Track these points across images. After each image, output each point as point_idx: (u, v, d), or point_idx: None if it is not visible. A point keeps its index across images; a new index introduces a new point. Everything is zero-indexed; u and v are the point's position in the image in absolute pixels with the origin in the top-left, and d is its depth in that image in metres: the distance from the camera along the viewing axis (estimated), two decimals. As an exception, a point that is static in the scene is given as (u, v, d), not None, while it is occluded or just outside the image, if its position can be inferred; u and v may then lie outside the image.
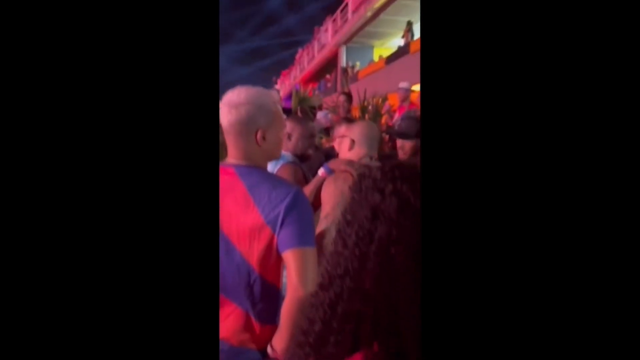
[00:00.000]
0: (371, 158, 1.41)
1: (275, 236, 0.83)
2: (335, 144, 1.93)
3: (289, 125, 1.62)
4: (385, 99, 4.42)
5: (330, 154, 1.88)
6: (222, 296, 0.89)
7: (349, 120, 2.12)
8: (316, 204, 1.40)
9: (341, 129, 1.88)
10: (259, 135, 0.90)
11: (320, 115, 3.39)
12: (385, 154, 2.38)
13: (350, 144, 1.45)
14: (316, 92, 11.13)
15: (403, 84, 3.79)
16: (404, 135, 1.70)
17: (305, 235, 0.83)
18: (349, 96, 3.53)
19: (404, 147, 1.72)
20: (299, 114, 4.15)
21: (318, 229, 1.38)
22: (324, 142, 2.82)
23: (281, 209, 0.83)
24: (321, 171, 1.44)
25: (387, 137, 2.56)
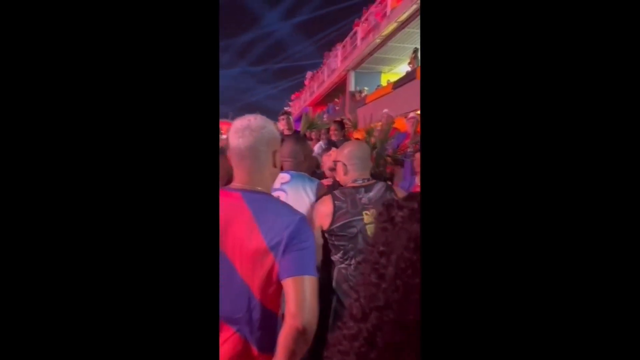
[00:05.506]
0: (363, 180, 1.43)
1: (277, 263, 0.83)
2: (323, 167, 1.99)
3: (304, 147, 1.65)
4: (392, 122, 4.47)
5: None
6: (221, 320, 0.87)
7: (332, 142, 2.17)
8: None
9: (332, 153, 1.94)
10: (276, 156, 0.93)
11: (317, 146, 3.50)
12: (377, 171, 2.42)
13: (343, 168, 1.47)
14: (324, 115, 11.30)
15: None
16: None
17: (306, 264, 0.83)
18: (340, 124, 3.62)
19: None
20: (311, 136, 4.23)
21: None
22: None
23: (284, 235, 0.83)
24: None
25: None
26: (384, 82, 10.48)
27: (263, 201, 0.90)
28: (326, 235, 1.38)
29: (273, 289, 0.85)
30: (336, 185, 1.80)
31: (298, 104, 18.96)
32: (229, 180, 1.69)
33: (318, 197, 1.47)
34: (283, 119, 3.70)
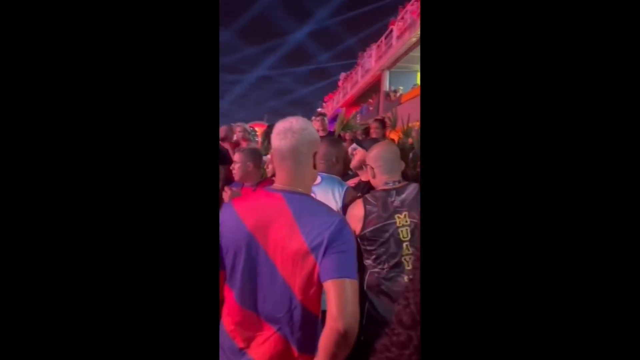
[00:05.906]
0: (394, 182, 1.40)
1: (318, 264, 0.82)
2: (352, 165, 1.94)
3: (337, 149, 1.62)
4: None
5: None
6: (261, 320, 0.88)
7: (359, 141, 2.10)
8: None
9: (357, 153, 1.88)
10: (317, 158, 0.94)
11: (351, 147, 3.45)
12: (414, 173, 2.32)
13: (371, 171, 1.45)
14: (357, 116, 11.23)
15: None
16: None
17: (347, 266, 0.81)
18: (382, 122, 3.53)
19: None
20: (346, 138, 4.19)
21: None
22: None
23: (324, 237, 0.82)
24: None
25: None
26: (419, 82, 10.22)
27: (303, 202, 0.90)
28: (358, 239, 1.35)
29: (314, 290, 0.84)
30: (361, 185, 1.77)
31: (331, 105, 18.99)
32: (265, 180, 1.70)
33: (345, 203, 1.44)
34: (317, 120, 3.70)
